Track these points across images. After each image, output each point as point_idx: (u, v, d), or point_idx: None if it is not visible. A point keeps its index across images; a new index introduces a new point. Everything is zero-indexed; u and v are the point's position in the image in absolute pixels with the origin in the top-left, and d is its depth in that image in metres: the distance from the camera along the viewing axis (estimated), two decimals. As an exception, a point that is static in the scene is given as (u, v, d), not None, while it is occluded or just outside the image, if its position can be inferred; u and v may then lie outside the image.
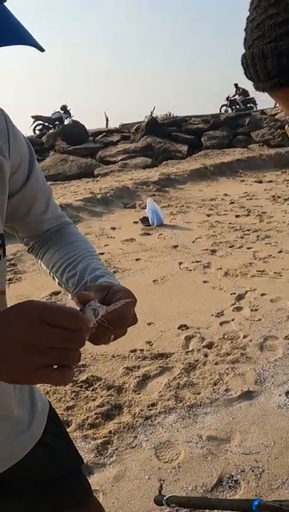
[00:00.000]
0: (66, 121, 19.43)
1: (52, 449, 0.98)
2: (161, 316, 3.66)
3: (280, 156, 12.10)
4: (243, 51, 0.53)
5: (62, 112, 20.41)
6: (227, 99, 23.40)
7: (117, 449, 2.28)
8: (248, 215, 6.78)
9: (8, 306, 0.80)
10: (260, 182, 9.62)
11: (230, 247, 5.28)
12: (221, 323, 3.48)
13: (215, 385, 2.72)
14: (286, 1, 0.45)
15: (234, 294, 3.97)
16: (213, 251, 5.17)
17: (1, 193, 0.86)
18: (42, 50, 0.68)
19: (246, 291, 4.01)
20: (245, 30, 0.52)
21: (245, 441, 2.24)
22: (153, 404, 2.58)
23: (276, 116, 16.87)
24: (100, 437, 2.35)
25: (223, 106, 23.57)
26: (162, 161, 13.34)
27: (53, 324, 0.56)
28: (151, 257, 5.15)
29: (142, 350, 3.14)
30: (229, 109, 23.04)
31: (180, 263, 4.86)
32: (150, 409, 2.54)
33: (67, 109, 20.75)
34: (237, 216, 6.75)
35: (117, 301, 0.72)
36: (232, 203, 7.71)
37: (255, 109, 22.50)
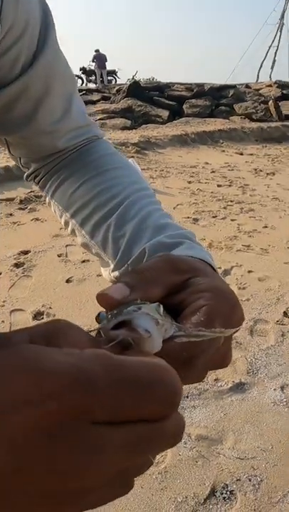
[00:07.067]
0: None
1: None
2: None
3: (261, 131, 11.74)
4: None
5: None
6: (81, 69, 21.03)
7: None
8: (230, 186, 6.40)
9: None
10: (241, 154, 9.26)
11: (214, 217, 4.89)
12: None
13: (201, 371, 2.36)
14: None
15: (220, 268, 3.60)
16: (196, 220, 4.77)
17: None
18: None
19: (232, 267, 3.65)
20: None
21: (239, 443, 1.89)
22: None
23: (260, 91, 16.50)
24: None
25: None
26: (142, 124, 12.76)
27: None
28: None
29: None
30: (80, 80, 20.69)
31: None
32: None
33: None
34: (219, 186, 6.36)
35: (200, 310, 0.36)
36: (213, 172, 7.31)
37: (114, 82, 20.41)
